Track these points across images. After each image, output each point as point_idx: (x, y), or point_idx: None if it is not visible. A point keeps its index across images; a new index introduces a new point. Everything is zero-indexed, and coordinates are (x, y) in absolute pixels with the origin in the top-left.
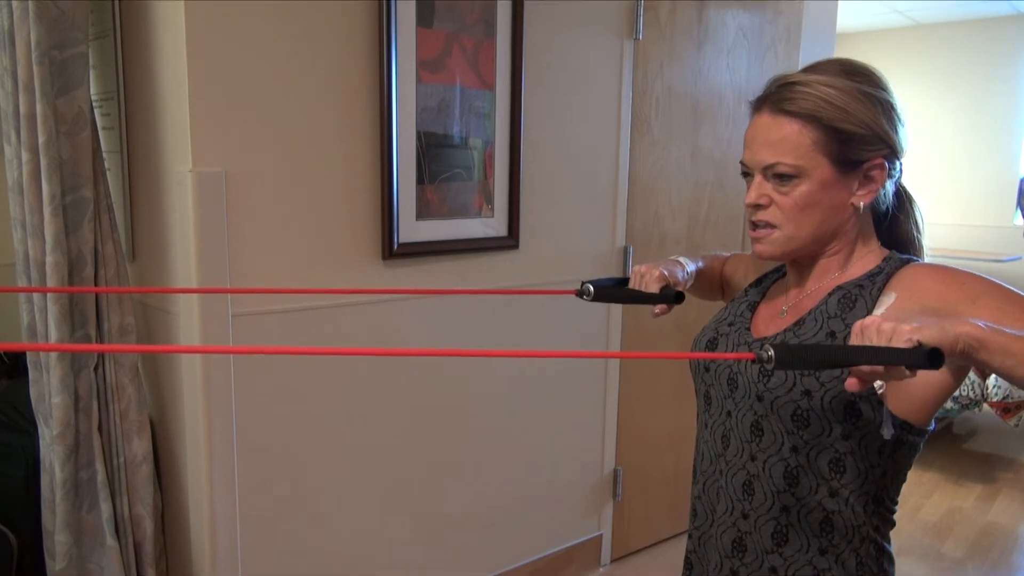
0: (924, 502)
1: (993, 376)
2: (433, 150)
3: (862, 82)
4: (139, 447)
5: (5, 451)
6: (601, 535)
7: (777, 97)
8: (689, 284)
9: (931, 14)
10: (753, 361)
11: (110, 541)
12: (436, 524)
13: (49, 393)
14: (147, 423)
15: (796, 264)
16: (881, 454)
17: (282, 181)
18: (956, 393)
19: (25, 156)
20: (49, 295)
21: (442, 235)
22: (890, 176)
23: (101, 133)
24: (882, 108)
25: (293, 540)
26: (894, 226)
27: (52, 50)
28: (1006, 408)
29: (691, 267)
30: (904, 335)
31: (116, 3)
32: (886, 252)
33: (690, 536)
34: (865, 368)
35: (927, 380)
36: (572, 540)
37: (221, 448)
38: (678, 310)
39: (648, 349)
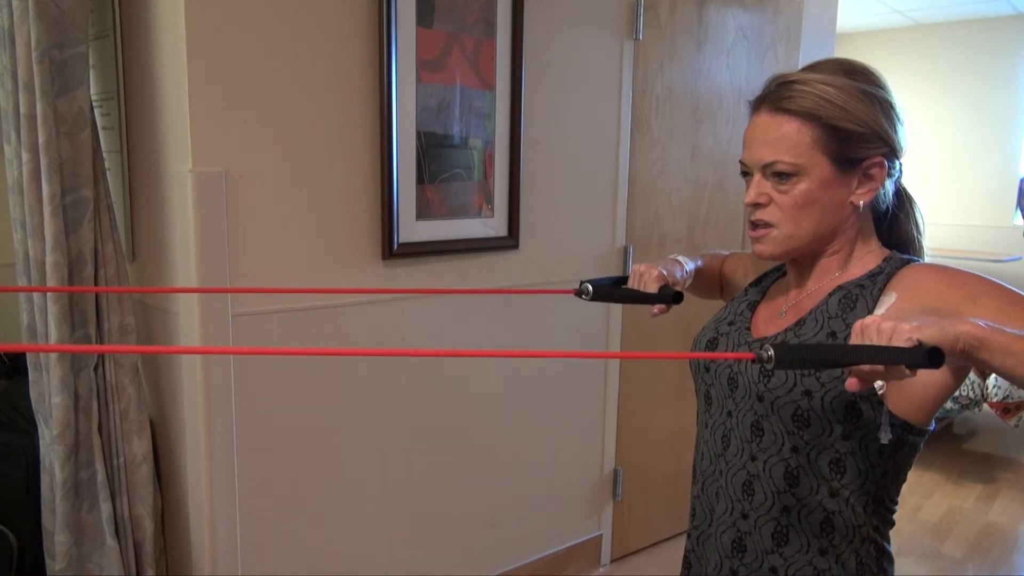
0: (924, 502)
1: (993, 376)
2: (433, 150)
3: (861, 81)
4: (139, 447)
5: (5, 451)
6: (601, 535)
7: (776, 96)
8: (688, 283)
9: (931, 14)
10: (753, 361)
11: (110, 541)
12: (436, 524)
13: (49, 393)
14: (147, 423)
15: (796, 264)
16: (882, 454)
17: (282, 181)
18: (956, 393)
19: (25, 156)
20: (49, 295)
21: (442, 235)
22: (889, 175)
23: (101, 133)
24: (881, 107)
25: (293, 540)
26: (894, 226)
27: (52, 50)
28: (1006, 408)
29: (690, 266)
30: (904, 334)
31: (116, 3)
32: (886, 252)
33: (689, 536)
34: (865, 367)
35: (927, 380)
36: (572, 540)
37: (221, 448)
38: (678, 310)
39: (648, 349)
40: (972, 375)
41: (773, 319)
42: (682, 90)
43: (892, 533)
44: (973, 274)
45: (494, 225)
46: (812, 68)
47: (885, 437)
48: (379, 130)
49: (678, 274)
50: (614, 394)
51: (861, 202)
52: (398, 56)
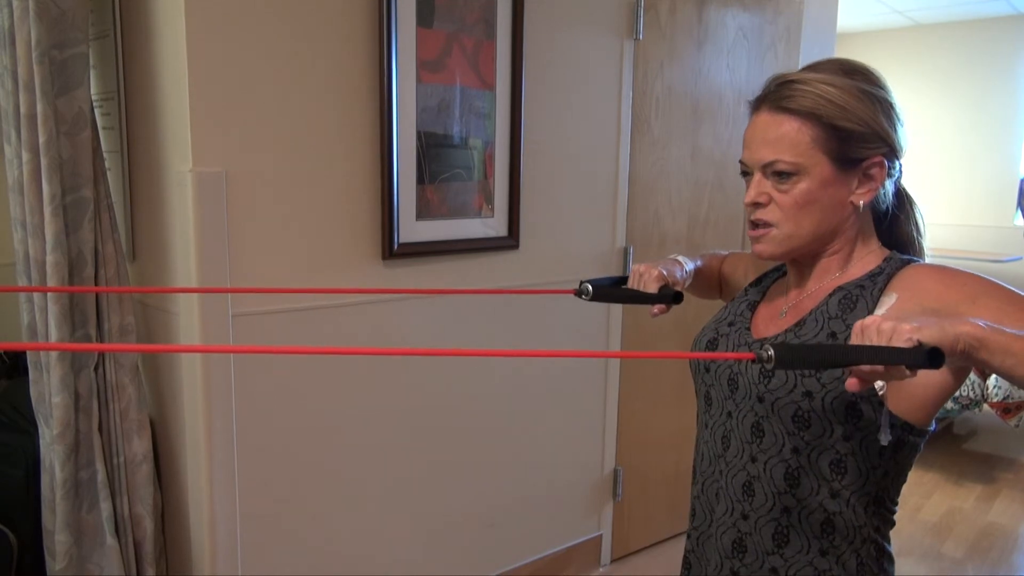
0: (924, 502)
1: (993, 376)
2: (433, 150)
3: (861, 81)
4: (139, 447)
5: (5, 451)
6: (601, 535)
7: (776, 95)
8: (688, 283)
9: (931, 14)
10: (753, 361)
11: (110, 541)
12: (436, 524)
13: (49, 393)
14: (147, 423)
15: (796, 264)
16: (882, 455)
17: (282, 181)
18: (956, 393)
19: (25, 156)
20: (49, 295)
21: (442, 235)
22: (889, 175)
23: (101, 133)
24: (881, 106)
25: (293, 540)
26: (894, 226)
27: (52, 50)
28: (1006, 408)
29: (689, 266)
30: (904, 334)
31: (116, 3)
32: (886, 252)
33: (689, 536)
34: (865, 368)
35: (927, 380)
36: (572, 540)
37: (221, 448)
38: (678, 310)
39: (648, 349)
40: (972, 375)
41: (773, 319)
42: (682, 90)
43: (892, 533)
44: (973, 274)
45: (494, 225)
46: (812, 68)
47: (885, 438)
48: (379, 130)
49: (678, 274)
50: (614, 394)
51: (861, 202)
52: (398, 56)
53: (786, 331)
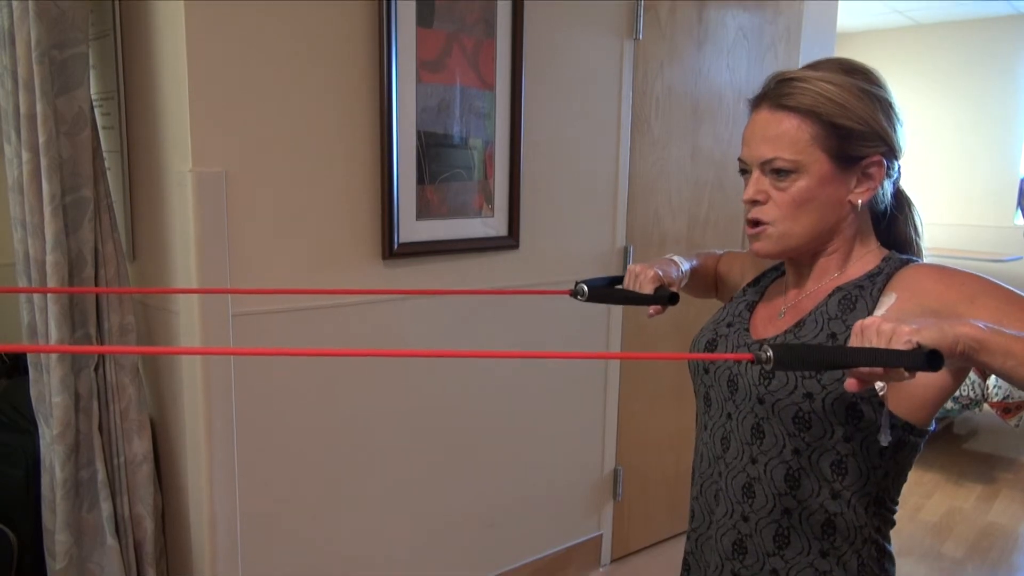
0: (924, 502)
1: (993, 376)
2: (433, 150)
3: (861, 80)
4: (139, 447)
5: (5, 451)
6: (601, 535)
7: (776, 93)
8: (684, 283)
9: (931, 14)
10: (752, 362)
11: (110, 541)
12: (436, 524)
13: (49, 393)
14: (147, 423)
15: (794, 264)
16: (883, 455)
17: (282, 181)
18: (956, 393)
19: (25, 156)
20: (49, 295)
21: (442, 235)
22: (888, 175)
23: (101, 133)
24: (880, 106)
25: (293, 540)
26: (892, 227)
27: (52, 49)
28: (1006, 408)
29: (685, 266)
30: (903, 336)
31: (116, 3)
32: (885, 252)
33: (688, 538)
34: (864, 369)
35: (927, 381)
36: (572, 540)
37: (221, 448)
38: (678, 310)
39: (648, 349)
40: (972, 375)
41: (772, 320)
42: (682, 90)
43: (892, 533)
44: (972, 274)
45: (494, 225)
46: (812, 67)
47: (885, 439)
48: (379, 130)
49: (674, 274)
50: (614, 394)
51: (859, 201)
52: (398, 56)
53: (785, 332)
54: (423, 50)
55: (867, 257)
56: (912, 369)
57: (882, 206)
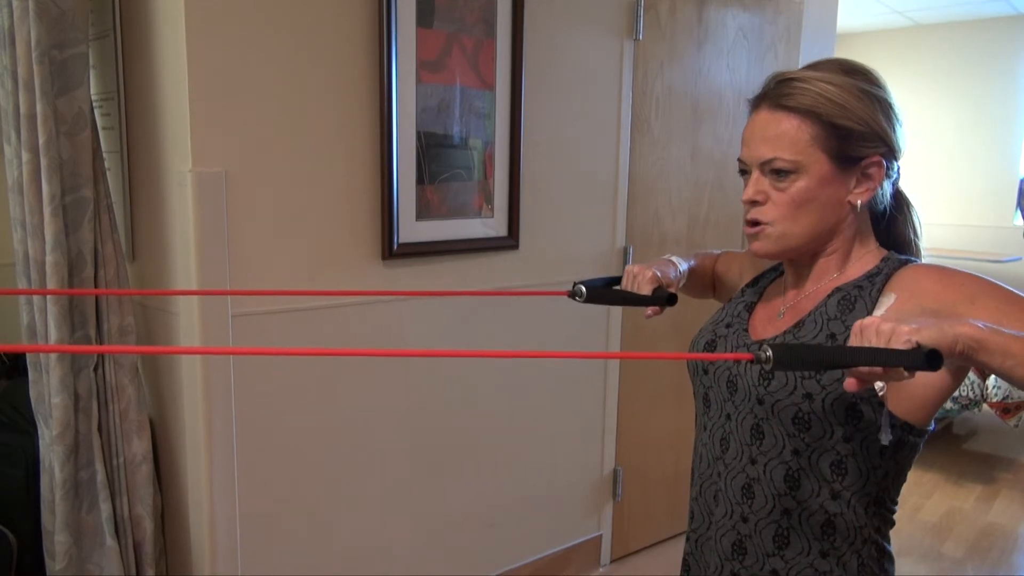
0: (924, 502)
1: (993, 376)
2: (433, 150)
3: (861, 80)
4: (139, 447)
5: (5, 451)
6: (601, 535)
7: (776, 93)
8: (682, 283)
9: (931, 14)
10: (751, 362)
11: (110, 541)
12: (436, 524)
13: (49, 393)
14: (147, 423)
15: (794, 264)
16: (882, 455)
17: (282, 181)
18: (956, 393)
19: (25, 156)
20: (49, 296)
21: (442, 235)
22: (887, 176)
23: (101, 133)
24: (880, 106)
25: (293, 540)
26: (892, 228)
27: (52, 50)
28: (1006, 408)
29: (683, 266)
30: (903, 336)
31: (116, 3)
32: (884, 252)
33: (688, 539)
34: (863, 369)
35: (927, 381)
36: (572, 540)
37: (221, 448)
38: (677, 311)
39: (648, 349)
40: (972, 375)
41: (771, 320)
42: (682, 90)
43: (892, 533)
44: (971, 274)
45: (494, 225)
46: (812, 67)
47: (885, 439)
48: (379, 130)
49: (671, 274)
50: (614, 394)
51: (859, 201)
52: (398, 56)
53: (784, 332)
54: (423, 50)
55: (866, 257)
56: (911, 369)
57: (881, 207)
